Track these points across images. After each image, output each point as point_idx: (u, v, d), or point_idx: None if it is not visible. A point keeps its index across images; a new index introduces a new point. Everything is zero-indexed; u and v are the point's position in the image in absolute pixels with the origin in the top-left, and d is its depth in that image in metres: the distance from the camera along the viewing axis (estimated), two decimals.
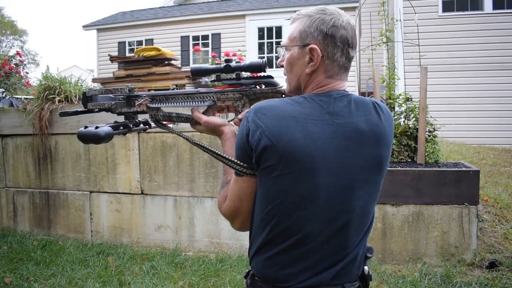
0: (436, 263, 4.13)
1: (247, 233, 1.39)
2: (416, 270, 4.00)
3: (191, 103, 1.55)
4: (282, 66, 1.38)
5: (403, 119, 4.95)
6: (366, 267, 1.39)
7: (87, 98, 1.59)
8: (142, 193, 4.97)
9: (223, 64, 1.49)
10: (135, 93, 1.58)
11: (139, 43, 14.74)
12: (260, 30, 13.46)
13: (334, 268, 1.27)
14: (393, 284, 3.74)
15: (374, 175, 1.29)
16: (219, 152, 1.35)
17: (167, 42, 13.85)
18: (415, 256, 4.20)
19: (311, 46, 1.26)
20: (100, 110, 1.60)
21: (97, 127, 1.38)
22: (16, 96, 6.94)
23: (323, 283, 1.27)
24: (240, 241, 4.63)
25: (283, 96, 1.45)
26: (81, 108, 1.62)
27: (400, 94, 5.14)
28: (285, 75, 1.38)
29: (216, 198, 1.41)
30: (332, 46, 1.26)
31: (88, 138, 1.38)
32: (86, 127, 1.39)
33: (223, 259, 4.39)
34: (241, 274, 3.93)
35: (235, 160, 1.28)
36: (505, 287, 3.59)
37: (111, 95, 1.59)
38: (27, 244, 4.95)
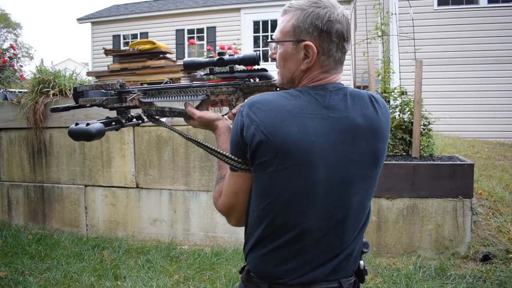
0: (431, 256, 4.16)
1: (243, 227, 1.37)
2: (411, 263, 4.02)
3: (184, 97, 1.52)
4: (274, 59, 1.34)
5: (398, 113, 4.96)
6: (361, 262, 1.38)
7: (78, 93, 1.57)
8: (137, 187, 4.97)
9: (216, 58, 1.47)
10: (126, 88, 1.56)
11: (134, 36, 14.67)
12: (256, 23, 13.42)
13: (330, 263, 1.27)
14: (388, 277, 3.76)
15: (371, 170, 1.28)
16: (213, 147, 1.33)
17: (162, 35, 13.78)
18: (410, 249, 4.22)
19: (306, 42, 1.23)
20: (91, 106, 1.58)
21: (88, 124, 1.36)
22: (10, 90, 6.89)
23: (320, 279, 1.26)
24: (235, 234, 4.64)
25: (278, 89, 1.42)
26: (73, 103, 1.60)
27: (395, 88, 5.14)
28: (277, 68, 1.34)
29: (212, 191, 1.41)
30: (327, 42, 1.23)
31: (79, 136, 1.36)
32: (77, 124, 1.36)
33: (219, 253, 4.39)
34: (236, 268, 3.94)
35: (230, 156, 1.26)
36: (498, 280, 3.61)
37: (102, 91, 1.57)
38: (22, 238, 4.93)
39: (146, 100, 1.55)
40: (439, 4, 9.69)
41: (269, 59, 1.40)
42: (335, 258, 1.27)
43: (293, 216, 1.22)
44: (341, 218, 1.24)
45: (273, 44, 1.34)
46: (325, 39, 1.22)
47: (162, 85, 1.55)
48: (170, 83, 1.58)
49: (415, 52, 5.16)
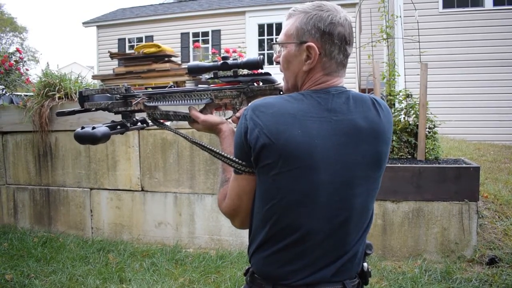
0: (436, 259, 4.14)
1: (248, 229, 1.38)
2: (416, 266, 4.00)
3: (188, 101, 1.53)
4: (278, 63, 1.37)
5: (403, 116, 4.95)
6: (365, 264, 1.39)
7: (83, 97, 1.59)
8: (142, 190, 4.98)
9: (220, 62, 1.48)
10: (131, 92, 1.57)
11: (139, 39, 14.74)
12: (260, 26, 13.45)
13: (334, 265, 1.27)
14: (393, 280, 3.75)
15: (373, 172, 1.29)
16: (217, 150, 1.34)
17: (167, 38, 13.83)
18: (415, 252, 4.21)
19: (308, 44, 1.25)
20: (97, 110, 1.59)
21: (93, 128, 1.37)
22: (16, 93, 6.93)
23: (323, 280, 1.27)
24: (240, 237, 4.63)
25: (281, 93, 1.44)
26: (79, 107, 1.61)
27: (400, 91, 5.13)
28: (281, 71, 1.37)
29: (216, 194, 1.42)
30: (329, 43, 1.25)
31: (85, 139, 1.37)
32: (83, 127, 1.38)
33: (224, 256, 4.39)
34: (241, 271, 3.93)
35: (234, 158, 1.27)
36: (505, 283, 3.59)
37: (107, 95, 1.58)
38: (28, 241, 4.95)
39: (151, 104, 1.56)
40: (444, 6, 9.69)
41: (274, 62, 1.40)
42: (339, 260, 1.28)
43: (296, 218, 1.23)
44: (344, 220, 1.26)
45: (278, 48, 1.36)
46: (327, 40, 1.25)
47: (166, 89, 1.56)
48: (174, 87, 1.59)
49: (420, 55, 5.15)
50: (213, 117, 1.49)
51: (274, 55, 1.40)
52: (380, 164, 1.30)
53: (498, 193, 4.75)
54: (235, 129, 1.34)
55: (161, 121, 1.60)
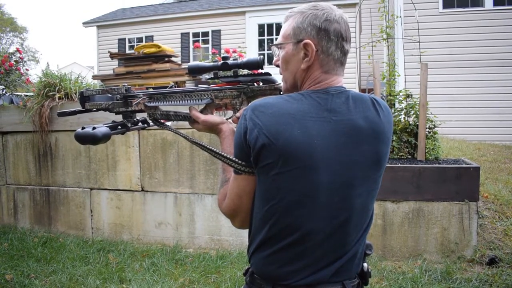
0: (436, 259, 4.14)
1: (248, 229, 1.39)
2: (416, 266, 4.00)
3: (189, 101, 1.54)
4: (278, 66, 1.37)
5: (403, 116, 4.95)
6: (365, 264, 1.39)
7: (84, 98, 1.59)
8: (142, 190, 4.98)
9: (220, 62, 1.49)
10: (132, 92, 1.57)
11: (139, 40, 14.74)
12: (260, 26, 13.45)
13: (333, 265, 1.27)
14: (393, 280, 3.75)
15: (373, 172, 1.29)
16: (217, 151, 1.35)
17: (167, 38, 13.84)
18: (415, 252, 4.21)
19: (305, 41, 1.26)
20: (97, 110, 1.59)
21: (94, 128, 1.37)
22: (16, 93, 6.93)
23: (323, 281, 1.27)
24: (240, 237, 4.63)
25: (281, 93, 1.44)
26: (79, 107, 1.61)
27: (400, 91, 5.13)
28: (281, 74, 1.37)
29: (216, 194, 1.43)
30: (326, 40, 1.26)
31: (85, 139, 1.37)
32: (83, 127, 1.37)
33: (224, 256, 4.39)
34: (241, 271, 3.93)
35: (234, 158, 1.27)
36: (505, 283, 3.59)
37: (108, 95, 1.58)
38: (28, 241, 4.95)
39: (152, 104, 1.57)
40: (444, 6, 9.69)
41: (274, 65, 1.40)
42: (339, 260, 1.28)
43: (296, 218, 1.23)
44: (344, 220, 1.25)
45: (277, 51, 1.37)
46: (324, 37, 1.26)
47: (167, 89, 1.56)
48: (175, 87, 1.59)
49: (420, 55, 5.15)
50: (214, 117, 1.49)
51: (274, 59, 1.41)
52: (380, 164, 1.30)
53: (498, 193, 4.75)
54: (235, 129, 1.34)
55: (162, 121, 1.61)
